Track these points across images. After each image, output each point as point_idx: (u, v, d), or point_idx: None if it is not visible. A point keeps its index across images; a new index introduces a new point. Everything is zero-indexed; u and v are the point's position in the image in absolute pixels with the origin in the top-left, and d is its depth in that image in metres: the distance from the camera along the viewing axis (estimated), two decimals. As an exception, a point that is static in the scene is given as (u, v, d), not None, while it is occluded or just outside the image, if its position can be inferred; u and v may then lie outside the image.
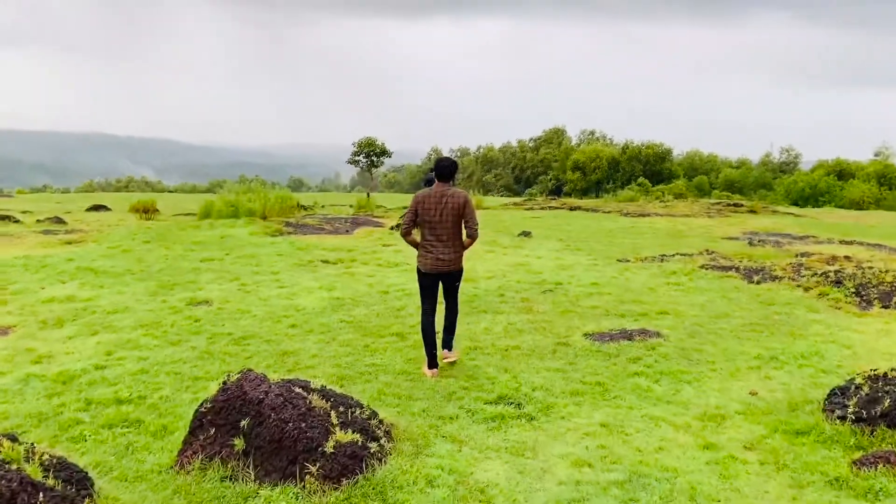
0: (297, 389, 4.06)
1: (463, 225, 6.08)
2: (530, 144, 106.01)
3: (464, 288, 9.53)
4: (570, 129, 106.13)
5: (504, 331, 7.47)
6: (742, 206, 26.99)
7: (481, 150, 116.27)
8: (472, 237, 6.15)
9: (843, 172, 67.01)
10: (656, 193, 37.58)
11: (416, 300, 8.75)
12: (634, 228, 18.75)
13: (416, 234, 6.23)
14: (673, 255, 13.03)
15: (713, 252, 13.16)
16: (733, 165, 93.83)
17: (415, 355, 6.52)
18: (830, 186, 64.72)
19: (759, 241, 15.48)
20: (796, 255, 12.72)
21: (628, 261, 12.54)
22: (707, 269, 11.37)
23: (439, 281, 6.24)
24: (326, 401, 4.06)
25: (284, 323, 7.58)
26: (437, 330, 6.25)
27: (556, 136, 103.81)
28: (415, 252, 6.28)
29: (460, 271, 6.34)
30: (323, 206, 28.45)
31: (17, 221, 16.60)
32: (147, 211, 18.97)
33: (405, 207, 25.33)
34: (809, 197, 63.15)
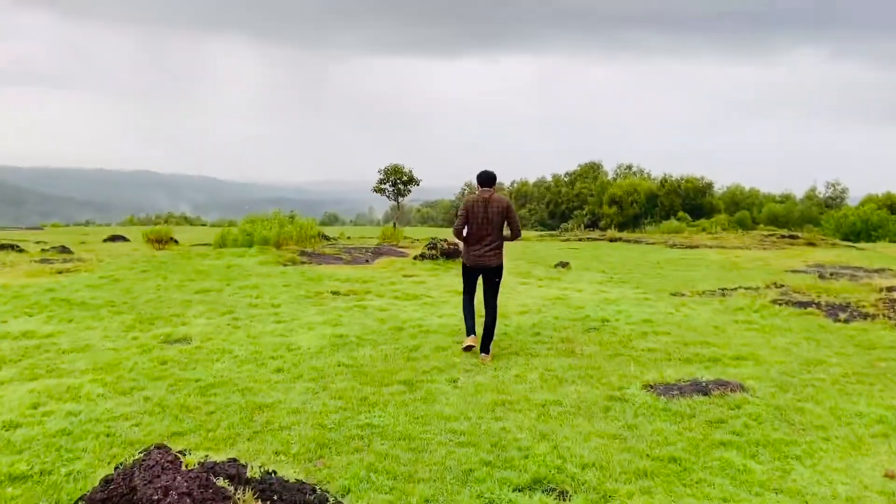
0: (221, 482, 2.61)
1: (506, 226, 6.98)
2: (565, 179, 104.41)
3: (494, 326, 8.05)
4: (606, 163, 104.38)
5: (541, 379, 5.93)
6: (798, 237, 24.97)
7: (515, 184, 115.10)
8: (516, 236, 7.08)
9: (894, 206, 64.07)
10: (703, 225, 35.58)
11: (433, 339, 7.29)
12: (684, 260, 17.03)
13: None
14: (735, 289, 11.33)
15: (783, 285, 11.42)
16: (777, 200, 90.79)
17: (424, 412, 5.02)
18: (883, 220, 61.73)
19: (830, 275, 13.64)
20: (882, 290, 10.91)
21: (683, 295, 10.90)
22: (780, 304, 9.66)
23: (480, 275, 7.03)
24: (265, 502, 2.60)
25: (269, 366, 6.16)
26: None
27: (591, 171, 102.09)
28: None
29: (500, 267, 7.03)
30: (349, 238, 27.28)
31: (20, 250, 15.66)
32: (160, 241, 17.94)
33: (433, 238, 23.99)
34: (861, 231, 60.24)
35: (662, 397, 5.31)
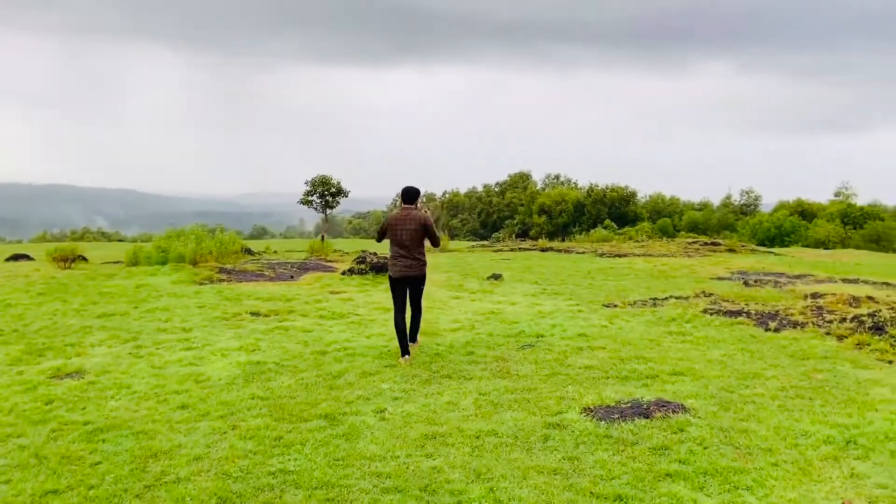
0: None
1: (427, 240, 7.41)
2: (496, 189, 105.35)
3: (424, 344, 7.60)
4: (535, 173, 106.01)
5: (475, 405, 5.51)
6: (720, 244, 25.65)
7: (447, 195, 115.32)
8: (436, 245, 7.58)
9: (805, 213, 67.43)
10: (629, 233, 36.27)
11: (360, 363, 6.79)
12: (614, 269, 17.05)
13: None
14: (666, 299, 11.28)
15: (711, 294, 11.44)
16: (696, 208, 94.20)
17: (346, 452, 4.51)
18: (796, 226, 64.83)
19: (754, 282, 13.84)
20: (807, 297, 11.06)
21: (616, 306, 10.74)
22: (711, 314, 9.60)
23: (406, 286, 7.40)
24: None
25: (172, 403, 5.51)
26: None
27: (521, 180, 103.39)
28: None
29: (423, 277, 7.46)
30: (275, 252, 26.30)
31: None
32: (66, 259, 16.66)
33: (363, 251, 23.39)
34: (775, 237, 63.04)
35: (603, 422, 4.97)
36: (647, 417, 5.02)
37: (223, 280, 12.67)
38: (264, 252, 24.99)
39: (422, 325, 7.84)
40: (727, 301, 10.67)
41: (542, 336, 8.23)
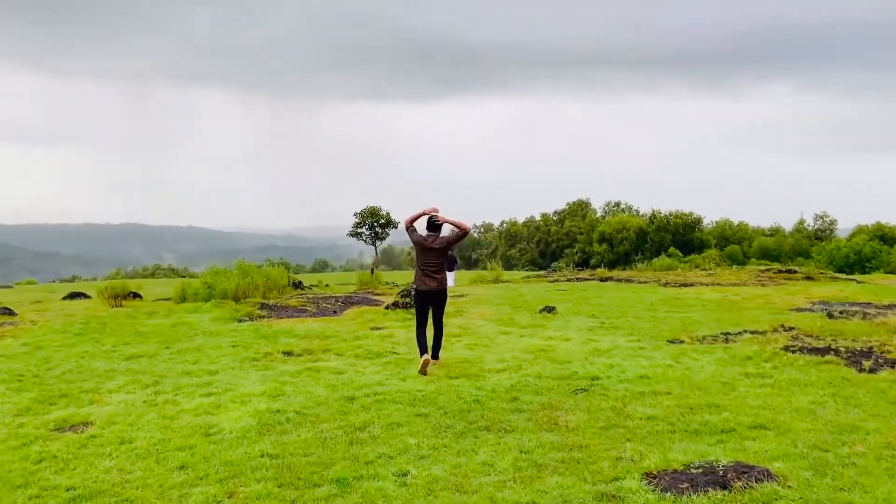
0: None
1: (450, 250, 8.50)
2: (554, 217, 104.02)
3: (463, 389, 6.82)
4: (594, 200, 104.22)
5: (514, 468, 4.69)
6: (796, 272, 23.93)
7: (504, 224, 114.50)
8: (464, 229, 8.19)
9: (885, 237, 63.66)
10: (696, 260, 34.56)
11: (389, 411, 6.06)
12: (680, 300, 15.87)
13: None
14: (739, 333, 10.16)
15: (792, 328, 10.26)
16: (766, 233, 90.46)
17: (355, 529, 3.76)
18: (876, 251, 61.13)
19: (839, 313, 12.49)
20: (903, 330, 9.77)
21: (682, 341, 9.71)
22: (794, 351, 8.48)
23: (430, 299, 8.12)
24: None
25: (172, 462, 4.89)
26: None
27: (580, 209, 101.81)
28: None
29: (444, 292, 8.18)
30: (327, 286, 26.02)
31: (-43, 313, 14.31)
32: (117, 297, 16.66)
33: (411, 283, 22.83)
34: (854, 263, 59.48)
35: (669, 493, 4.07)
36: (725, 488, 4.09)
37: (263, 316, 12.21)
38: (315, 286, 24.73)
39: (464, 365, 7.80)
40: (811, 336, 9.49)
41: (596, 378, 7.33)
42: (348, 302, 14.72)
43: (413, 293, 8.18)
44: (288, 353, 8.92)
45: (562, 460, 4.79)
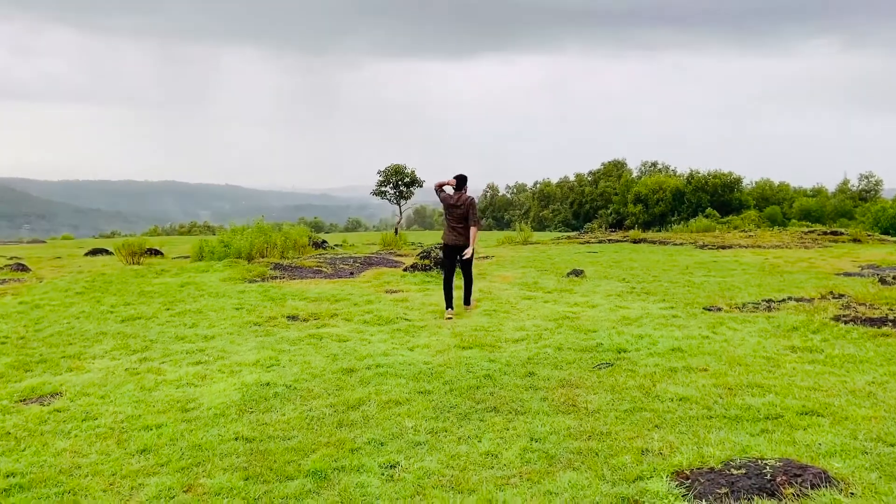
0: None
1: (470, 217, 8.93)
2: (588, 178, 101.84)
3: (475, 361, 6.17)
4: (629, 160, 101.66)
5: (521, 460, 4.03)
6: (842, 234, 22.66)
7: (538, 185, 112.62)
8: (475, 225, 8.91)
9: (935, 197, 60.87)
10: (735, 222, 33.08)
11: (389, 386, 5.45)
12: (717, 263, 14.94)
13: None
14: (783, 301, 9.30)
15: (842, 295, 9.35)
16: (808, 194, 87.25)
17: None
18: (925, 212, 58.50)
19: (894, 279, 11.49)
20: (969, 299, 8.80)
21: (720, 309, 8.91)
22: (845, 322, 7.62)
23: (456, 252, 8.96)
24: None
25: (135, 444, 4.35)
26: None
27: (615, 169, 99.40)
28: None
29: (467, 245, 8.85)
30: (352, 245, 25.54)
31: (-31, 269, 14.12)
32: (134, 254, 16.34)
33: (438, 244, 22.18)
34: (902, 224, 57.02)
35: (703, 502, 3.38)
36: (773, 495, 3.37)
37: (276, 277, 11.69)
38: (339, 245, 24.24)
39: (479, 333, 7.37)
40: (864, 305, 8.59)
41: (623, 351, 6.60)
42: (367, 263, 14.14)
43: (443, 246, 9.17)
44: (293, 318, 8.36)
45: (578, 451, 4.12)
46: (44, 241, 38.56)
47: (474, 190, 9.67)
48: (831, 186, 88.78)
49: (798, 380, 5.53)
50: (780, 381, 5.52)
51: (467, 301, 9.12)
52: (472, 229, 8.85)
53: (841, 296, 9.41)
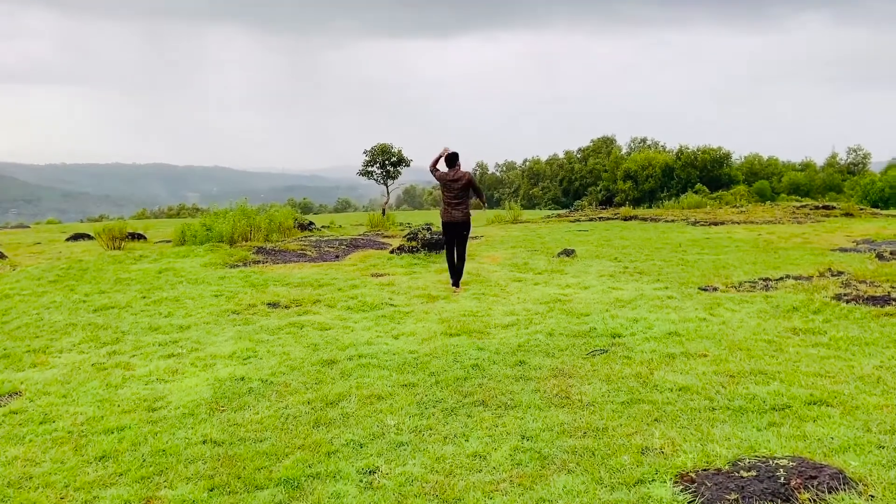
0: None
1: (472, 193, 9.28)
2: (578, 155, 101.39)
3: (462, 350, 5.86)
4: (619, 137, 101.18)
5: (511, 461, 3.73)
6: (834, 207, 22.46)
7: (527, 163, 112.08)
8: (483, 201, 9.91)
9: (923, 170, 60.95)
10: (726, 197, 32.84)
11: (372, 379, 5.13)
12: (710, 241, 14.68)
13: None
14: (781, 279, 9.04)
15: (840, 272, 9.10)
16: (797, 168, 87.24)
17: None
18: (914, 185, 58.55)
19: (891, 254, 11.25)
20: (972, 275, 8.56)
21: (716, 289, 8.63)
22: (847, 301, 7.36)
23: (455, 229, 9.17)
24: None
25: (94, 450, 4.01)
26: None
27: (605, 146, 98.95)
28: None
29: (467, 223, 9.22)
30: (340, 226, 25.12)
31: (-58, 257, 13.64)
32: (115, 238, 15.88)
33: (427, 224, 21.76)
34: (890, 198, 57.07)
35: (712, 508, 3.08)
36: (788, 502, 3.08)
37: (258, 262, 11.32)
38: (326, 227, 23.82)
39: (467, 319, 7.18)
40: (864, 282, 8.33)
41: (618, 336, 6.31)
42: (353, 245, 13.77)
43: (442, 224, 9.29)
44: (273, 305, 8.01)
45: (572, 451, 3.82)
46: (27, 227, 37.88)
47: (464, 168, 9.40)
48: (820, 160, 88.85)
49: (803, 365, 5.26)
50: (784, 366, 5.24)
51: (456, 283, 9.13)
52: (482, 205, 9.83)
53: (840, 273, 9.15)
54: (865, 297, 7.50)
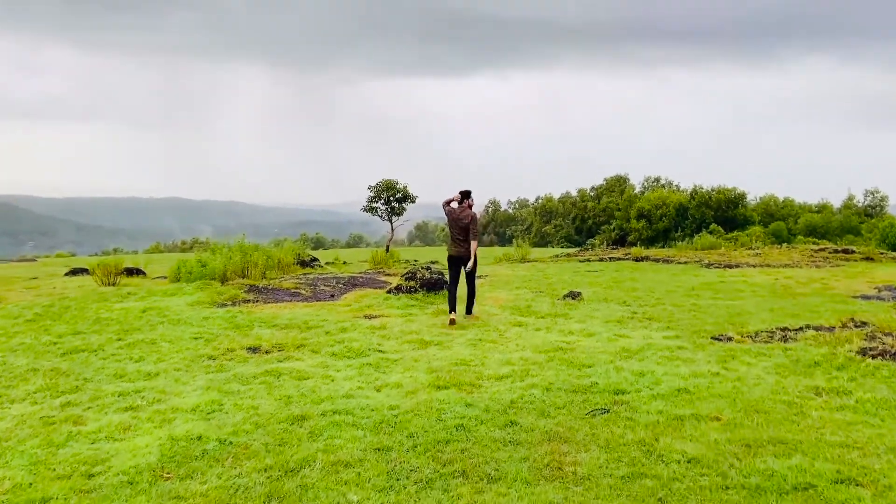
0: None
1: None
2: (591, 193, 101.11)
3: (448, 406, 5.31)
4: (632, 176, 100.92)
5: (487, 553, 3.16)
6: (853, 251, 21.76)
7: (539, 200, 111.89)
8: (474, 240, 9.57)
9: (943, 212, 60.04)
10: (742, 239, 32.14)
11: (342, 441, 4.58)
12: (724, 284, 14.07)
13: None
14: (800, 329, 8.42)
15: (864, 323, 8.47)
16: (813, 210, 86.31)
17: None
18: (934, 228, 57.59)
19: (918, 302, 10.59)
20: None
21: (730, 338, 8.04)
22: (873, 356, 6.74)
23: (460, 263, 9.63)
24: None
25: (6, 526, 3.49)
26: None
27: (618, 184, 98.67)
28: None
29: (469, 256, 9.52)
30: (344, 263, 24.69)
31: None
32: (110, 273, 15.52)
33: (432, 262, 21.28)
34: (910, 241, 56.05)
35: None
36: None
37: (248, 301, 10.85)
38: (331, 263, 23.41)
39: (458, 369, 6.68)
40: (890, 335, 7.70)
41: (622, 392, 5.74)
42: (351, 283, 13.29)
43: (448, 258, 9.75)
44: (254, 350, 7.50)
45: (560, 541, 3.25)
46: (34, 260, 37.83)
47: (476, 205, 9.49)
48: (835, 202, 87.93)
49: (828, 433, 4.65)
50: (806, 434, 4.64)
51: (469, 310, 9.71)
52: (472, 243, 9.56)
53: (863, 324, 8.52)
54: (893, 352, 6.87)
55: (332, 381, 6.27)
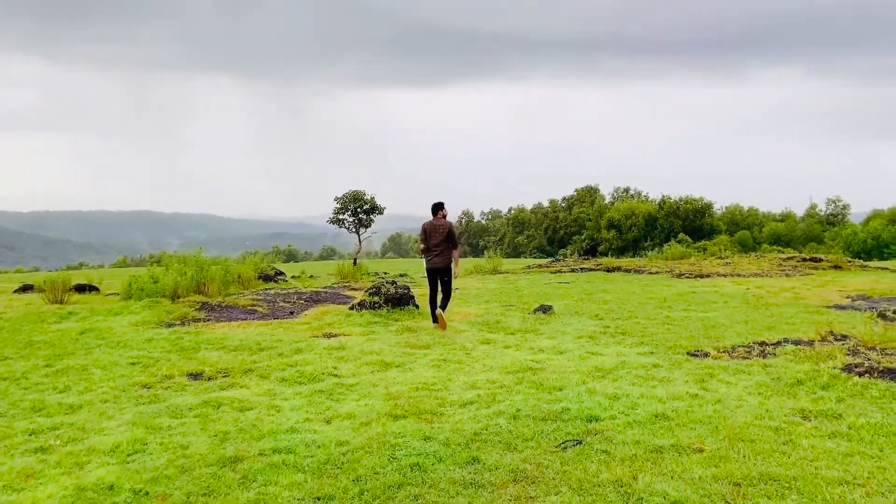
0: None
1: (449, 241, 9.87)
2: (562, 204, 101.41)
3: (404, 441, 4.72)
4: (602, 186, 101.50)
5: None
6: (822, 260, 21.71)
7: (512, 211, 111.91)
8: (453, 248, 9.87)
9: (902, 221, 61.22)
10: (711, 249, 32.13)
11: (280, 488, 3.96)
12: (697, 295, 13.73)
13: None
14: (778, 343, 8.03)
15: (844, 336, 8.11)
16: (777, 219, 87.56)
17: None
18: (895, 237, 58.56)
19: (894, 312, 10.31)
20: None
21: (706, 354, 7.61)
22: (860, 374, 6.34)
23: (437, 275, 9.88)
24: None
25: None
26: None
27: (588, 195, 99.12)
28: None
29: (448, 269, 9.89)
30: (311, 276, 23.98)
31: None
32: (58, 291, 14.64)
33: (401, 274, 20.70)
34: (872, 249, 56.90)
35: None
36: None
37: (199, 320, 10.15)
38: (296, 277, 22.68)
39: (419, 395, 6.16)
40: (874, 350, 7.34)
41: (596, 420, 5.23)
42: (312, 300, 12.65)
43: (426, 270, 9.98)
44: (195, 376, 6.85)
45: None
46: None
47: (449, 216, 9.10)
48: (798, 211, 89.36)
49: (823, 467, 4.19)
50: (800, 469, 4.16)
51: (443, 307, 9.80)
52: (455, 252, 9.84)
53: (844, 337, 8.15)
54: (881, 369, 6.48)
55: (278, 411, 5.66)
